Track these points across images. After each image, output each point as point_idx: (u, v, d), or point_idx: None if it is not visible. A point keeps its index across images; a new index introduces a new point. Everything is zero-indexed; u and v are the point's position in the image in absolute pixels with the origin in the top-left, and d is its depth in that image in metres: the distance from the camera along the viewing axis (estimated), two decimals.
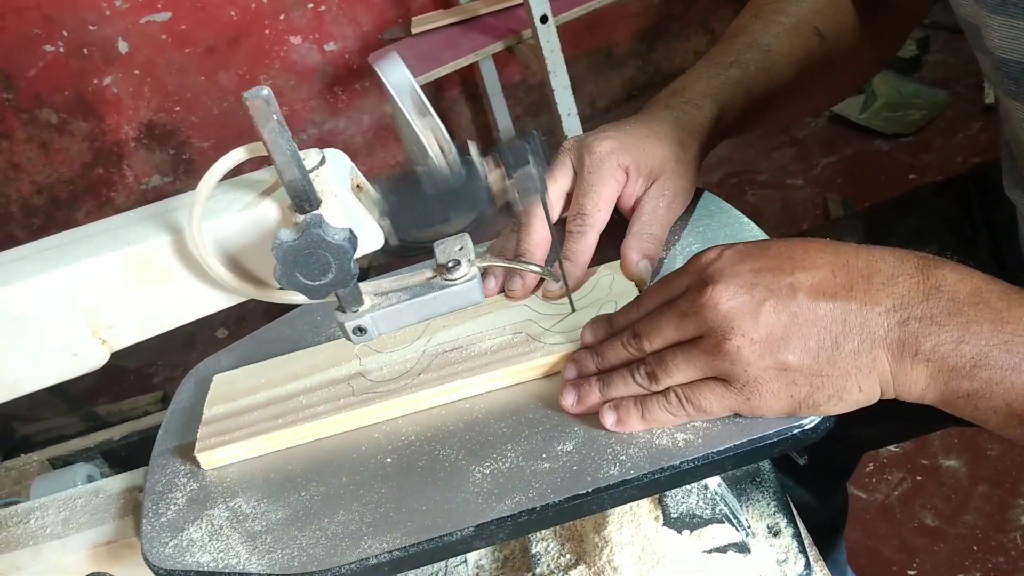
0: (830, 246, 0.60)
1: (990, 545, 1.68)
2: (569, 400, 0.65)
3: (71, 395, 2.56)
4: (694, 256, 0.63)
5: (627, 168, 0.76)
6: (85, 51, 2.75)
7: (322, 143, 3.14)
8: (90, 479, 0.90)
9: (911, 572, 1.68)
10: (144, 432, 1.10)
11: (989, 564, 1.66)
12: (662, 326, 0.62)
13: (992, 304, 0.55)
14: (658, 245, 0.77)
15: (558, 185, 0.78)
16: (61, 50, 2.74)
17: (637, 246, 0.75)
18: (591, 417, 0.65)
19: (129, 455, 1.10)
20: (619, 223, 0.78)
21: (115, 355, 0.65)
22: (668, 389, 0.61)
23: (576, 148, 0.78)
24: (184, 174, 3.03)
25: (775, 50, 0.88)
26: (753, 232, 0.78)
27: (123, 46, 2.78)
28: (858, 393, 0.58)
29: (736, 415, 0.61)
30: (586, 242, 0.75)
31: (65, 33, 2.72)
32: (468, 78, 3.10)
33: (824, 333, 0.57)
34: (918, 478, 1.83)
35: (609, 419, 0.62)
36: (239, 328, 2.77)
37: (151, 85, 2.87)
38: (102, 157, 2.94)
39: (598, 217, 0.76)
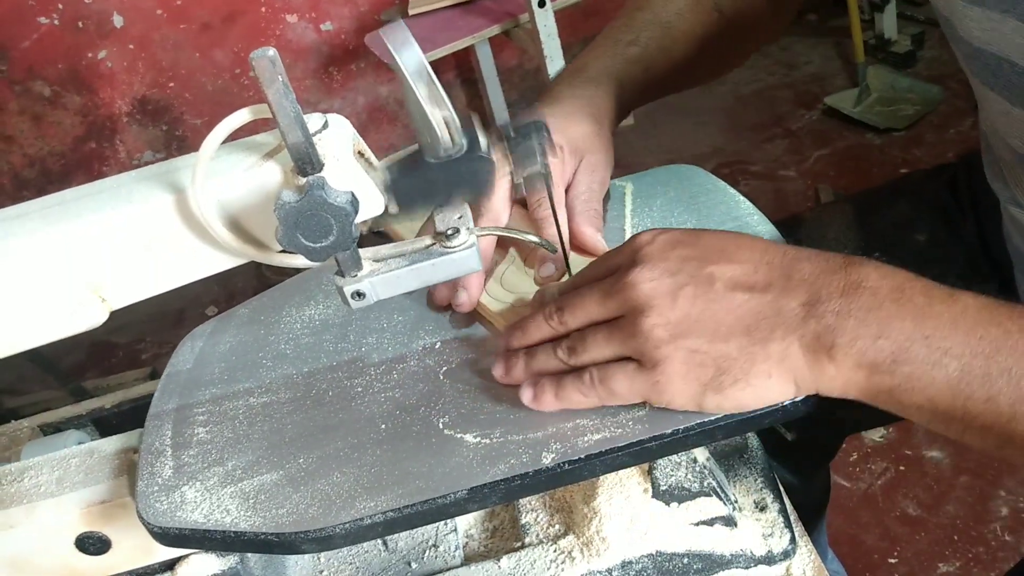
0: (760, 244, 0.61)
1: (970, 535, 1.70)
2: (498, 371, 0.67)
3: (59, 369, 2.55)
4: (631, 237, 0.65)
5: (561, 145, 0.77)
6: (80, 24, 2.74)
7: None
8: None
9: (892, 560, 1.70)
10: (135, 401, 1.09)
11: (969, 554, 1.68)
12: (585, 302, 0.63)
13: (914, 300, 0.55)
14: (601, 220, 0.78)
15: (502, 189, 0.78)
16: (56, 23, 2.73)
17: (589, 221, 0.76)
18: None
19: (120, 423, 1.09)
20: None
21: (104, 330, 0.65)
22: (584, 369, 0.62)
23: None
24: (177, 151, 3.02)
25: (676, 27, 0.90)
26: (748, 210, 0.79)
27: (118, 20, 2.77)
28: (767, 379, 0.58)
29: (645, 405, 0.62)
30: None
31: (60, 6, 2.71)
32: (464, 61, 3.10)
33: (736, 321, 0.58)
34: (901, 468, 1.85)
35: (526, 395, 0.64)
36: (229, 306, 2.76)
37: (145, 60, 2.86)
38: (95, 131, 2.93)
39: (560, 196, 0.77)
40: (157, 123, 2.97)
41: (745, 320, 0.58)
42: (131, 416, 1.06)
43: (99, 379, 2.68)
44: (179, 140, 3.01)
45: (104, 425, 1.08)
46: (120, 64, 2.84)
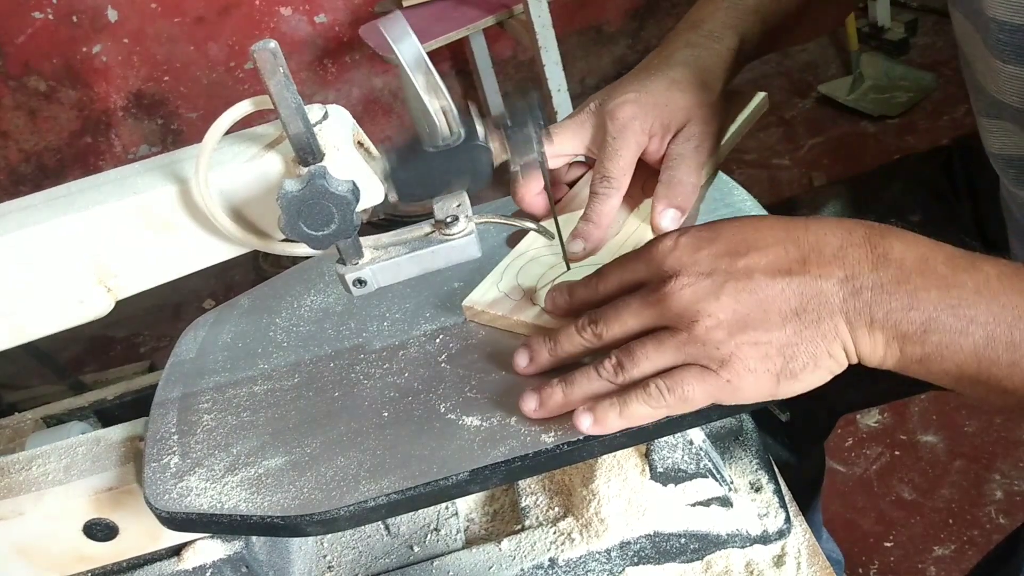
0: (780, 223, 0.61)
1: (965, 519, 1.72)
2: (531, 405, 0.63)
3: (58, 363, 2.56)
4: (650, 243, 0.64)
5: (649, 130, 0.76)
6: (74, 18, 2.74)
7: None
8: None
9: (888, 544, 1.72)
10: (138, 392, 1.10)
11: (964, 537, 1.69)
12: (623, 314, 0.63)
13: (938, 270, 0.57)
14: (689, 192, 0.76)
15: (566, 146, 0.78)
16: (50, 17, 2.73)
17: (665, 195, 0.75)
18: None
19: (123, 414, 1.10)
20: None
21: (102, 324, 0.66)
22: (647, 381, 0.60)
23: (598, 112, 0.78)
24: (173, 144, 3.02)
25: None
26: (742, 196, 0.80)
27: (112, 14, 2.77)
28: (829, 359, 0.59)
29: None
30: (609, 204, 0.75)
31: (54, 0, 2.70)
32: (458, 53, 3.10)
33: (785, 306, 0.58)
34: (896, 453, 1.86)
35: (585, 422, 0.61)
36: (227, 299, 2.76)
37: (140, 54, 2.86)
38: (90, 126, 2.93)
39: (623, 181, 0.76)
40: (152, 117, 2.97)
41: (792, 303, 0.58)
42: (133, 407, 1.07)
43: (98, 373, 2.69)
44: (175, 134, 3.01)
45: (106, 416, 1.09)
46: (115, 58, 2.84)
